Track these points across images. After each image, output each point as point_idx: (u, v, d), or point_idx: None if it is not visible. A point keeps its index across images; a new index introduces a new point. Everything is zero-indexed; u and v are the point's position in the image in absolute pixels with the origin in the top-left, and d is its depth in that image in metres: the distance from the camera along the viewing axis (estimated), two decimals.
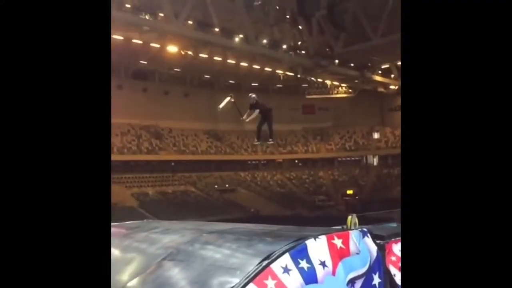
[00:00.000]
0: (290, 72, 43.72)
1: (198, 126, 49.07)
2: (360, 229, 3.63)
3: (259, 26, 33.42)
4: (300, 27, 36.58)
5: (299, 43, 38.52)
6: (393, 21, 25.48)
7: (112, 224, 5.11)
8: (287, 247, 3.11)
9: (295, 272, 3.00)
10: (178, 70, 46.00)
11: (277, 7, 34.29)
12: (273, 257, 3.01)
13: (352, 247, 3.42)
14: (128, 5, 28.41)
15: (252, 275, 2.89)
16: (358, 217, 3.87)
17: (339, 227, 3.84)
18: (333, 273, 3.19)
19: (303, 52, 38.07)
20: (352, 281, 3.28)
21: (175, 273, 3.30)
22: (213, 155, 50.10)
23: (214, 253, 3.49)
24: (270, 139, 11.65)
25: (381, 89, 49.09)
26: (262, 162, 53.75)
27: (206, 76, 48.83)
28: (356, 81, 47.03)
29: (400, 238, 3.52)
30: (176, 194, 43.46)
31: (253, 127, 10.61)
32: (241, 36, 33.57)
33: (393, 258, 3.61)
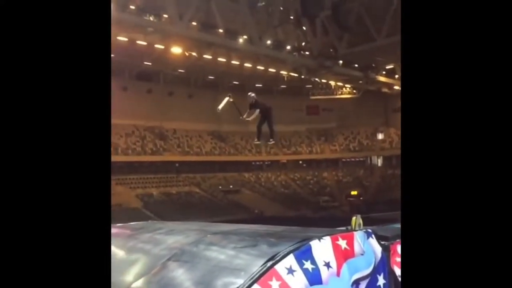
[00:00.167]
0: (294, 73, 43.70)
1: (202, 127, 49.13)
2: (364, 230, 3.62)
3: (263, 27, 33.41)
4: (304, 28, 36.55)
5: (303, 44, 38.50)
6: (397, 21, 25.36)
7: (116, 225, 5.14)
8: (291, 248, 3.11)
9: (299, 273, 3.00)
10: (182, 71, 46.06)
11: (281, 8, 34.28)
12: (277, 258, 3.01)
13: (357, 248, 3.41)
14: (132, 7, 28.46)
15: (257, 276, 2.89)
16: (363, 218, 3.86)
17: (344, 228, 3.83)
18: (338, 274, 3.18)
19: (307, 53, 38.03)
20: (356, 282, 3.27)
21: (180, 274, 3.30)
22: (217, 156, 50.15)
23: (219, 254, 3.49)
24: (271, 139, 11.28)
25: (385, 90, 48.98)
26: (266, 163, 53.75)
27: (210, 77, 48.87)
28: (360, 81, 46.93)
29: None
30: (180, 195, 43.50)
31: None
32: (245, 37, 33.55)
33: (398, 259, 3.59)
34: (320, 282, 3.06)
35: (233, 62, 41.45)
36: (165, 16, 29.57)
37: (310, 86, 52.83)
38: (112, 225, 4.98)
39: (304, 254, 3.09)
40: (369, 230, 3.64)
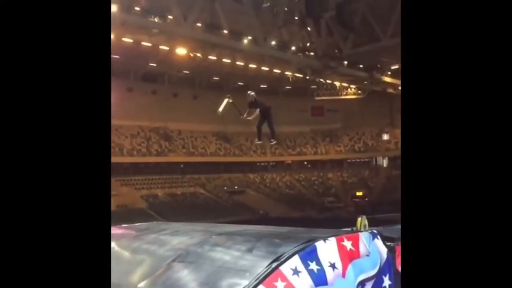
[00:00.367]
0: (298, 73, 43.68)
1: (207, 128, 49.19)
2: (370, 231, 3.61)
3: (267, 27, 33.43)
4: (308, 28, 36.55)
5: (308, 44, 38.47)
6: None
7: (121, 226, 5.15)
8: (296, 248, 3.10)
9: (304, 274, 2.99)
10: (187, 72, 46.17)
11: (286, 9, 34.32)
12: (282, 259, 3.00)
13: (362, 249, 3.40)
14: (137, 8, 28.55)
15: (262, 277, 2.89)
16: (368, 219, 3.85)
17: (349, 229, 3.82)
18: (343, 275, 3.17)
19: (311, 53, 38.00)
20: (362, 283, 3.26)
21: (185, 274, 3.30)
22: (222, 157, 50.20)
23: (224, 255, 3.49)
24: (272, 139, 11.05)
25: (390, 90, 48.83)
26: (271, 163, 53.76)
27: (215, 78, 48.93)
28: (365, 82, 46.86)
29: None
30: (185, 196, 43.58)
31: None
32: (249, 38, 33.57)
33: None
34: (325, 283, 3.05)
35: (238, 63, 41.51)
36: (170, 17, 29.63)
37: (315, 86, 52.80)
38: (117, 226, 5.00)
39: (309, 255, 3.09)
40: (375, 231, 3.62)
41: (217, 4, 29.90)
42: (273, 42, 35.62)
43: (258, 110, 9.54)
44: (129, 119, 43.54)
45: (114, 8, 25.83)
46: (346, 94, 55.13)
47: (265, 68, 43.64)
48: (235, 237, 3.83)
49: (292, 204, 45.18)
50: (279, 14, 33.77)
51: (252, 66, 42.79)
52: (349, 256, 3.28)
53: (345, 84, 51.59)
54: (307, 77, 43.04)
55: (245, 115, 9.58)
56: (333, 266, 3.13)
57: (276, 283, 2.88)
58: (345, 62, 39.55)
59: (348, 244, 3.34)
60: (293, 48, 37.63)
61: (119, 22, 26.90)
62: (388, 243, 3.60)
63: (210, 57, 38.89)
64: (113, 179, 38.85)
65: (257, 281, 2.86)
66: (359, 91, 54.14)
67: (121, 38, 32.36)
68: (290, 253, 3.05)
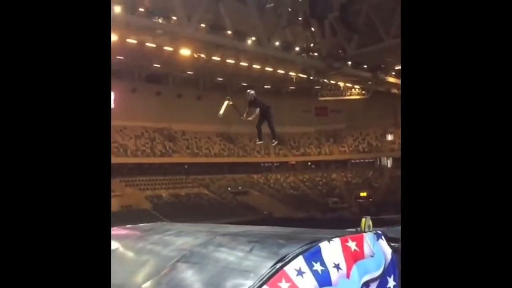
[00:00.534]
0: (302, 74, 43.63)
1: (211, 128, 49.22)
2: (374, 232, 3.61)
3: (271, 28, 33.39)
4: (312, 29, 36.49)
5: (312, 45, 38.41)
6: None
7: (126, 226, 5.16)
8: (300, 249, 3.10)
9: (309, 275, 2.99)
10: (191, 73, 46.20)
11: (290, 9, 34.27)
12: (286, 260, 3.01)
13: (367, 250, 3.40)
14: (141, 9, 28.61)
15: (266, 277, 2.89)
16: (372, 220, 3.84)
17: (353, 229, 3.82)
18: (347, 276, 3.17)
19: (315, 54, 37.95)
20: (366, 284, 3.26)
21: (189, 275, 3.31)
22: (226, 158, 50.21)
23: (228, 255, 3.49)
24: (274, 140, 10.91)
25: (394, 91, 48.64)
26: (275, 164, 53.74)
27: (219, 78, 48.94)
28: (369, 82, 46.76)
29: None
30: (190, 197, 43.60)
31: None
32: (253, 38, 33.57)
33: None
34: (329, 283, 3.05)
35: (242, 63, 41.49)
36: (174, 18, 29.67)
37: (319, 87, 52.75)
38: (121, 226, 5.02)
39: (313, 255, 3.09)
40: (379, 232, 3.62)
41: (221, 5, 29.89)
42: (277, 43, 35.58)
43: (257, 110, 9.44)
44: (133, 120, 43.64)
45: (118, 9, 25.91)
46: (350, 95, 55.03)
47: (269, 69, 43.60)
48: (239, 238, 3.83)
49: (296, 205, 45.14)
50: (283, 15, 33.73)
51: (256, 66, 42.77)
52: (353, 257, 3.27)
53: (349, 85, 51.49)
54: (311, 78, 42.99)
55: (245, 115, 9.51)
56: (337, 266, 3.13)
57: (280, 284, 2.88)
58: (349, 63, 39.48)
59: (352, 244, 3.34)
60: (297, 48, 37.59)
61: (123, 23, 26.98)
62: (393, 244, 3.60)
63: (214, 57, 38.87)
64: (117, 180, 39.02)
65: (261, 281, 2.86)
66: (363, 92, 54.03)
67: (125, 39, 32.42)
68: (294, 254, 3.05)
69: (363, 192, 49.80)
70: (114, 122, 39.34)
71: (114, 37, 29.75)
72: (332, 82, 48.96)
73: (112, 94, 40.38)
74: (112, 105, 39.73)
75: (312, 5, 27.73)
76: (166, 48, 36.34)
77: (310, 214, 41.07)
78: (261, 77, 46.10)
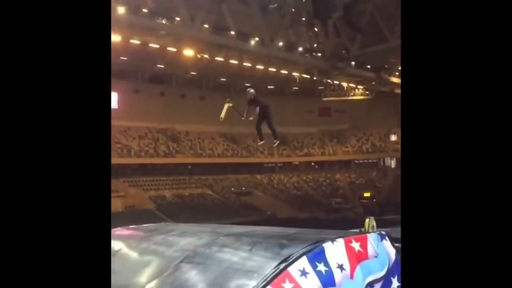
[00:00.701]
0: (306, 74, 43.68)
1: (214, 129, 49.22)
2: (378, 232, 3.60)
3: (274, 28, 33.45)
4: (316, 29, 36.54)
5: (315, 45, 38.46)
6: None
7: (129, 227, 5.17)
8: (304, 250, 3.10)
9: (312, 275, 2.98)
10: (194, 73, 46.28)
11: (293, 10, 34.32)
12: (290, 260, 3.00)
13: (370, 250, 3.39)
14: (144, 10, 28.69)
15: (270, 278, 2.88)
16: (376, 220, 3.83)
17: (357, 230, 3.81)
18: (351, 277, 3.16)
19: (319, 54, 37.99)
20: (370, 285, 3.25)
21: (193, 275, 3.31)
22: (229, 158, 50.25)
23: (231, 256, 3.49)
24: (275, 140, 10.82)
25: (398, 91, 48.61)
26: (279, 164, 53.74)
27: (222, 79, 49.01)
28: (373, 83, 46.77)
29: None
30: (193, 197, 43.67)
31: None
32: (256, 39, 33.62)
33: None
34: (333, 284, 3.04)
35: (245, 64, 41.55)
36: (177, 19, 29.75)
37: (322, 87, 52.76)
38: (125, 227, 5.03)
39: (317, 256, 3.08)
40: (383, 232, 3.61)
41: (224, 6, 29.96)
42: (280, 43, 35.62)
43: (257, 109, 9.38)
44: (137, 120, 43.74)
45: (121, 10, 26.00)
46: (354, 95, 55.01)
47: (272, 69, 43.65)
48: (242, 238, 3.83)
49: (300, 205, 45.14)
50: (286, 15, 33.80)
51: (259, 67, 42.83)
52: (357, 257, 3.27)
53: (352, 85, 51.51)
54: (315, 78, 43.01)
55: (245, 115, 9.48)
56: (341, 267, 3.13)
57: (284, 284, 2.87)
58: (353, 63, 39.49)
59: (356, 245, 3.33)
60: (300, 49, 37.61)
61: (126, 23, 27.07)
62: (397, 245, 3.59)
63: (217, 58, 38.97)
64: (121, 180, 39.13)
65: (265, 282, 2.86)
66: (367, 92, 54.00)
67: (128, 40, 32.54)
68: (298, 254, 3.05)
69: (367, 192, 49.75)
70: (118, 123, 39.50)
71: (117, 38, 29.86)
72: (336, 82, 49.01)
73: (116, 95, 40.57)
74: (116, 106, 39.89)
75: (316, 5, 27.76)
76: (169, 48, 36.46)
77: (313, 215, 41.06)
78: (265, 77, 46.15)
